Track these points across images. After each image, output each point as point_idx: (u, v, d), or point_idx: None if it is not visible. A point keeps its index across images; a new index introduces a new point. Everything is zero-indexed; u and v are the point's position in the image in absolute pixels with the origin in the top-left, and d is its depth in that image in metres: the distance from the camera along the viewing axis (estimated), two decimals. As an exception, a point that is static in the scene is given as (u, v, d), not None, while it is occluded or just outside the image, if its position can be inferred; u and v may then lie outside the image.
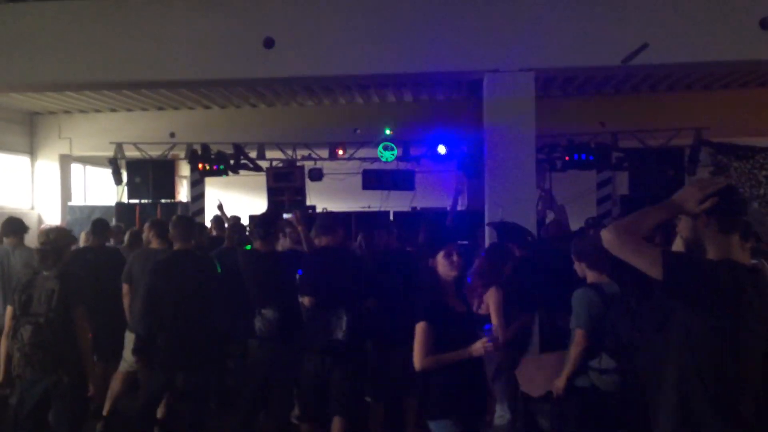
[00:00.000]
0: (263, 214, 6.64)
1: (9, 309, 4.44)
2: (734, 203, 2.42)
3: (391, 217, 11.70)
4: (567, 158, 11.20)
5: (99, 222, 6.77)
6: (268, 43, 7.04)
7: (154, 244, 5.79)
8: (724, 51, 6.63)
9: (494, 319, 4.39)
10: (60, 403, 4.22)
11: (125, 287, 5.87)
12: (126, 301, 5.86)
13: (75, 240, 5.94)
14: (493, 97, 7.17)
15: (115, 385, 5.86)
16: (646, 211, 2.47)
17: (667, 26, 6.63)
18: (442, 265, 3.60)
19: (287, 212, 11.76)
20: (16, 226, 6.31)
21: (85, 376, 4.31)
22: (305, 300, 5.05)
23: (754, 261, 2.58)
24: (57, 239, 4.62)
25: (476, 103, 10.72)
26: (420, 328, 3.55)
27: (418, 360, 3.53)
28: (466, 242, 8.39)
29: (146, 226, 6.12)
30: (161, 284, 4.91)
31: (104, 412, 5.79)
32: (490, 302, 4.54)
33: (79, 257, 5.99)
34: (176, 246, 5.08)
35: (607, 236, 2.40)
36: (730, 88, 11.71)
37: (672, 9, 6.64)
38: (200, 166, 11.83)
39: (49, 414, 4.29)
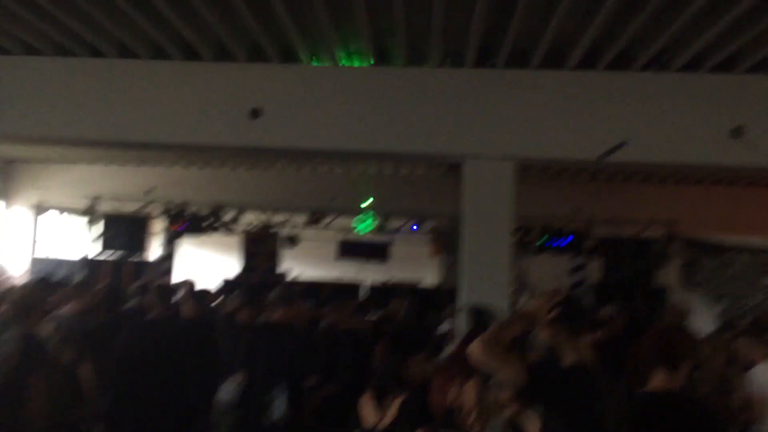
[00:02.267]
0: (249, 282, 6.66)
1: None
2: (575, 311, 2.72)
3: (361, 290, 11.65)
4: (541, 242, 11.35)
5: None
6: (254, 114, 7.13)
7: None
8: (696, 155, 6.87)
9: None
10: None
11: None
12: None
13: (46, 298, 5.73)
14: (472, 181, 7.28)
15: None
16: (505, 324, 2.73)
17: (644, 127, 6.86)
18: None
19: (259, 277, 11.70)
20: None
21: None
22: (239, 376, 5.01)
23: None
24: (24, 297, 4.52)
25: (457, 180, 10.91)
26: None
27: None
28: None
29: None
30: (129, 351, 4.80)
31: None
32: (468, 395, 4.45)
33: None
34: (154, 312, 5.00)
35: (475, 350, 2.57)
36: (703, 184, 12.05)
37: (650, 112, 6.90)
38: (173, 226, 11.76)
39: None
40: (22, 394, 4.10)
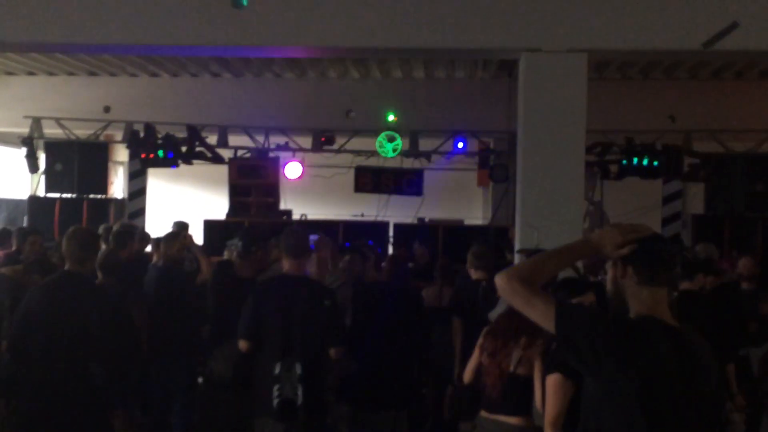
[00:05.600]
0: (248, 228, 6.83)
1: None
2: (658, 254, 2.68)
3: (391, 231, 11.71)
4: (624, 163, 11.24)
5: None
6: (237, 3, 7.05)
7: None
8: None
9: (538, 390, 4.38)
10: None
11: None
12: None
13: None
14: (531, 83, 7.19)
15: None
16: (550, 254, 2.77)
17: (763, 1, 6.67)
18: None
19: (253, 216, 11.82)
20: None
21: None
22: (241, 344, 5.10)
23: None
24: None
25: (509, 84, 10.79)
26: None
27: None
28: None
29: None
30: (32, 319, 4.87)
31: None
32: (536, 363, 4.54)
33: None
34: (66, 266, 5.05)
35: (499, 283, 2.69)
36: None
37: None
38: (142, 153, 11.83)
39: None
40: None
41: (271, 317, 4.97)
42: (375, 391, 5.42)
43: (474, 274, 6.72)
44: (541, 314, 2.61)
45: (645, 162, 11.20)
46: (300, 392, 4.81)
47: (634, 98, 11.96)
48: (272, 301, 5.04)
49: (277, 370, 4.85)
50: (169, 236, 7.13)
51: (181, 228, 8.63)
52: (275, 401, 4.82)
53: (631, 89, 12.09)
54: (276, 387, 4.83)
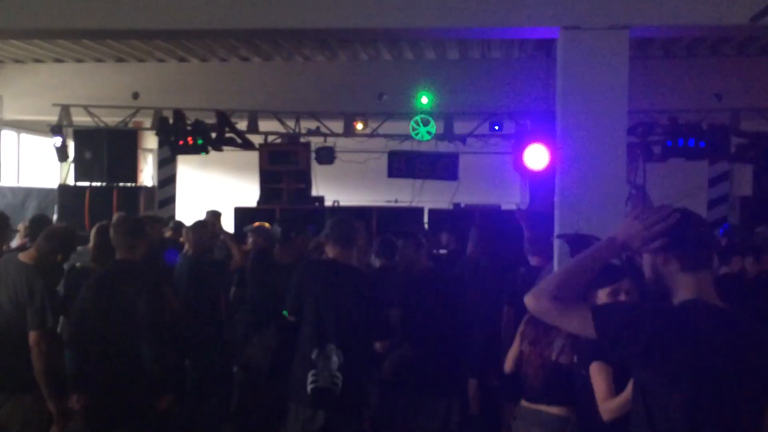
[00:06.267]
0: (288, 214, 6.89)
1: None
2: (697, 237, 2.63)
3: (426, 217, 11.68)
4: (668, 143, 11.10)
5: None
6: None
7: None
8: None
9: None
10: None
11: None
12: None
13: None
14: (570, 62, 7.07)
15: None
16: (576, 264, 2.71)
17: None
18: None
19: (284, 203, 11.85)
20: None
21: None
22: (290, 317, 5.23)
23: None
24: None
25: (547, 64, 10.68)
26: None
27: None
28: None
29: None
30: (87, 310, 4.93)
31: None
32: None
33: None
34: (117, 255, 5.11)
35: (528, 304, 2.69)
36: None
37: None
38: (172, 139, 11.89)
39: None
40: None
41: (310, 299, 5.02)
42: (429, 379, 5.45)
43: (532, 261, 6.67)
44: (578, 325, 2.63)
45: (690, 143, 11.05)
46: (339, 381, 4.81)
47: (679, 76, 11.80)
48: (314, 282, 5.09)
49: (313, 355, 4.85)
50: (197, 225, 7.18)
51: (213, 217, 8.69)
52: (310, 387, 4.83)
53: (675, 67, 11.93)
54: (311, 373, 4.83)
